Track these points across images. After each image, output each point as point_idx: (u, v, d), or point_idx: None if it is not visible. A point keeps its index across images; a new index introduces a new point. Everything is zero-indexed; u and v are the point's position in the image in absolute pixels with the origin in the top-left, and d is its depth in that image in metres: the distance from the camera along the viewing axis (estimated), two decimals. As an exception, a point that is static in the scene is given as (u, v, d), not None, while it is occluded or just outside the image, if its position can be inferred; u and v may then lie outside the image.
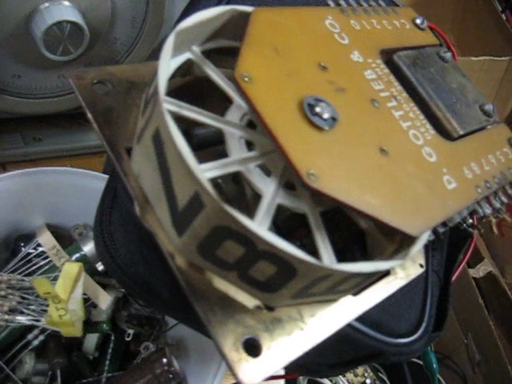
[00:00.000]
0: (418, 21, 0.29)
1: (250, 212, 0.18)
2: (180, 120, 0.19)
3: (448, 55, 0.29)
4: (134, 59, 0.43)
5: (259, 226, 0.17)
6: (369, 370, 1.09)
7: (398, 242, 0.20)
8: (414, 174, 0.21)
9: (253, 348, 0.18)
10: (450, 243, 0.30)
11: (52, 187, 0.30)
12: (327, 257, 0.18)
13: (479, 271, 0.99)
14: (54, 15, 0.34)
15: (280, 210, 0.19)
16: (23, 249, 0.30)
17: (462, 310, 0.91)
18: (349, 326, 0.21)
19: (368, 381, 1.10)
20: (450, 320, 0.95)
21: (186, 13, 0.26)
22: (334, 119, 0.19)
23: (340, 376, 1.01)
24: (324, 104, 0.19)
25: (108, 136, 0.20)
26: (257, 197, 0.19)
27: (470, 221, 0.26)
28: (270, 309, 0.19)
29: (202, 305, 0.18)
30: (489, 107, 0.28)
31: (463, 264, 0.30)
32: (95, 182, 0.30)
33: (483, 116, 0.27)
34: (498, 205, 0.24)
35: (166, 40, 0.19)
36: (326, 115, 0.19)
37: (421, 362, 0.90)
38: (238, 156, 0.19)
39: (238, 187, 0.21)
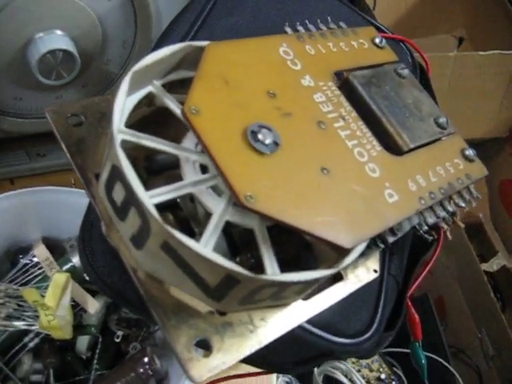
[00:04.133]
0: (377, 40, 0.31)
1: (203, 228, 0.21)
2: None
3: (405, 72, 0.31)
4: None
5: (206, 242, 0.19)
6: (384, 365, 1.11)
7: (339, 251, 0.22)
8: (353, 189, 0.23)
9: (204, 348, 0.21)
10: (412, 248, 0.32)
11: (47, 204, 0.33)
12: (270, 268, 0.21)
13: (493, 265, 1.00)
14: (47, 44, 0.37)
15: (234, 225, 0.22)
16: (21, 260, 0.33)
17: (475, 305, 0.92)
18: (300, 327, 0.24)
19: (383, 376, 1.12)
20: (464, 314, 0.97)
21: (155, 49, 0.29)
22: (276, 144, 0.22)
23: (354, 371, 1.02)
24: (266, 130, 0.22)
25: (79, 164, 0.23)
26: (208, 214, 0.21)
27: (426, 227, 0.28)
28: (223, 314, 0.22)
29: (158, 311, 0.20)
30: (443, 120, 0.29)
31: (428, 267, 0.32)
32: (86, 199, 0.33)
33: (437, 128, 0.29)
34: (442, 214, 0.26)
35: (123, 79, 0.21)
36: (267, 141, 0.21)
37: (434, 356, 0.91)
38: (190, 179, 0.22)
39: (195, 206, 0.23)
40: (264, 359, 0.28)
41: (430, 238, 0.28)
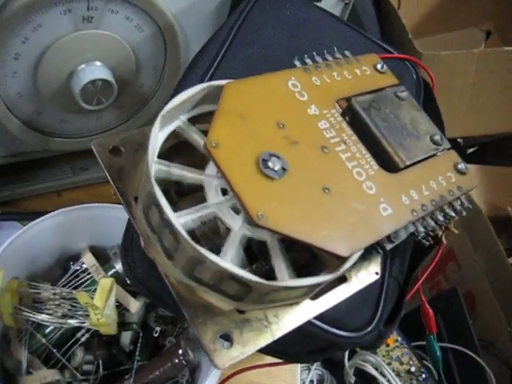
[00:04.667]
0: (379, 66, 0.35)
1: (224, 241, 0.25)
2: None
3: (404, 94, 0.34)
4: (159, 97, 0.51)
5: (224, 255, 0.24)
6: (414, 358, 1.13)
7: (339, 259, 0.26)
8: (351, 206, 0.27)
9: (227, 341, 0.25)
10: (414, 252, 0.35)
11: (92, 218, 0.38)
12: (279, 274, 0.25)
13: (519, 259, 1.00)
14: (88, 75, 0.42)
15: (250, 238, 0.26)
16: (72, 267, 0.38)
17: (504, 298, 0.94)
18: (309, 323, 0.28)
19: (413, 368, 1.13)
20: (493, 308, 0.99)
21: (177, 90, 0.33)
22: (284, 169, 0.26)
23: (384, 364, 1.05)
24: (275, 158, 0.26)
25: (120, 188, 0.27)
26: (228, 230, 0.26)
27: (423, 234, 0.31)
28: (242, 312, 0.26)
29: (188, 310, 0.25)
30: (438, 137, 0.33)
31: (430, 269, 0.36)
32: (125, 213, 0.38)
33: (432, 145, 0.33)
34: (432, 224, 0.30)
35: (156, 120, 0.26)
36: (276, 167, 0.25)
37: (464, 350, 0.93)
38: (213, 201, 0.26)
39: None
40: (281, 351, 0.32)
41: (427, 243, 0.32)
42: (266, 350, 0.31)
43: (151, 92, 0.50)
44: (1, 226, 0.50)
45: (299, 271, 0.26)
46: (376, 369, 1.09)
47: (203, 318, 0.25)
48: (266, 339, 0.26)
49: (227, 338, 0.25)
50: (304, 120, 0.29)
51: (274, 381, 0.48)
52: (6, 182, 0.51)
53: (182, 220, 0.24)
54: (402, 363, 1.13)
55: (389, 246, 0.29)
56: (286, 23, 0.39)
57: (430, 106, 0.42)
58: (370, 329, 0.29)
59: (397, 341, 1.20)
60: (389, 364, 1.12)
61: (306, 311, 0.27)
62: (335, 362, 1.23)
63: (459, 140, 1.10)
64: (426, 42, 1.10)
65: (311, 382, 1.26)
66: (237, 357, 0.25)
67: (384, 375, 1.06)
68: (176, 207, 0.25)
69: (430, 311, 0.51)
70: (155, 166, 0.26)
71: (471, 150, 1.18)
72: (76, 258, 0.40)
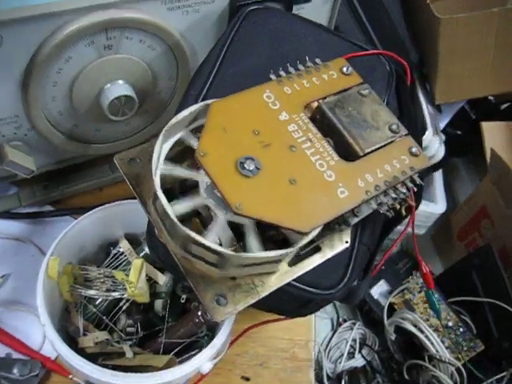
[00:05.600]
0: (345, 69, 0.41)
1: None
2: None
3: (366, 91, 0.40)
4: (176, 101, 0.59)
5: (208, 234, 0.32)
6: (451, 314, 1.19)
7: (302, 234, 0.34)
8: (313, 192, 0.34)
9: (222, 300, 0.33)
10: (387, 222, 0.42)
11: (127, 212, 0.47)
12: (254, 249, 0.33)
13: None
14: (113, 93, 0.51)
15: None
16: (112, 251, 0.48)
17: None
18: (289, 285, 0.36)
19: (450, 323, 1.20)
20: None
21: (179, 107, 0.41)
22: (257, 168, 0.33)
23: (422, 321, 1.11)
24: (250, 160, 0.33)
25: (138, 191, 0.36)
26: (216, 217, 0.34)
27: (385, 208, 0.38)
28: (234, 279, 0.34)
29: (192, 279, 0.33)
30: (395, 126, 0.39)
31: (401, 236, 0.43)
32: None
33: (390, 133, 0.39)
34: (388, 199, 0.37)
35: (160, 135, 0.34)
36: (251, 167, 0.33)
37: (500, 303, 0.99)
38: (203, 194, 0.34)
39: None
40: (276, 307, 0.40)
41: (390, 215, 0.39)
42: (266, 308, 0.40)
43: (169, 98, 0.58)
44: (55, 221, 0.60)
45: (279, 245, 0.34)
46: (414, 326, 1.16)
47: (203, 285, 0.34)
48: (253, 298, 0.34)
49: (223, 298, 0.34)
50: (276, 125, 0.36)
51: (291, 335, 0.57)
52: (56, 184, 0.61)
53: (175, 208, 0.32)
54: (439, 319, 1.19)
55: (354, 220, 0.37)
56: (270, 36, 0.46)
57: (402, 92, 0.48)
58: (339, 287, 0.37)
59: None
60: (427, 320, 1.19)
61: (286, 276, 0.35)
62: (376, 321, 1.31)
63: (490, 98, 1.13)
64: (444, 4, 1.11)
65: (354, 340, 1.34)
66: (231, 312, 0.33)
67: (422, 331, 1.13)
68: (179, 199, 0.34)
69: (427, 270, 0.57)
70: (158, 172, 0.34)
71: (505, 106, 1.20)
72: (115, 244, 0.49)
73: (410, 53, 1.10)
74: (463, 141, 1.20)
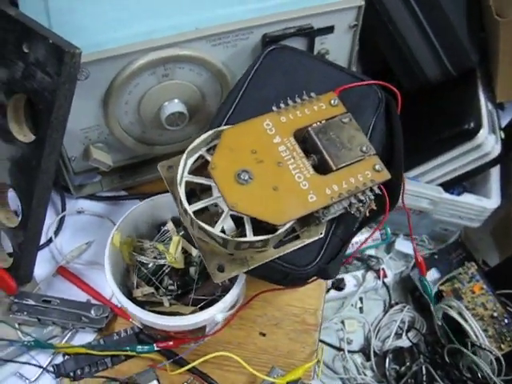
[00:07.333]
0: (332, 101, 0.54)
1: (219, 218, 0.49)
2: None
3: (347, 119, 0.53)
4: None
5: (217, 225, 0.47)
6: (498, 305, 1.27)
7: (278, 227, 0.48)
8: (290, 196, 0.48)
9: (222, 270, 0.48)
10: (363, 219, 0.55)
11: (173, 201, 0.64)
12: (248, 235, 0.47)
13: None
14: (170, 109, 0.67)
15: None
16: (162, 229, 0.64)
17: None
18: (272, 261, 0.50)
19: (496, 314, 1.28)
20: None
21: (209, 128, 0.55)
22: (250, 178, 0.48)
23: (466, 310, 1.19)
24: (245, 172, 0.48)
25: (172, 190, 0.52)
26: (222, 211, 0.49)
27: (354, 209, 0.51)
28: (231, 254, 0.49)
29: (203, 253, 0.49)
30: (366, 147, 0.52)
31: (373, 231, 0.55)
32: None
33: (360, 153, 0.51)
34: (346, 204, 0.49)
35: (184, 154, 0.49)
36: (246, 177, 0.48)
37: None
38: (216, 195, 0.49)
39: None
40: (268, 277, 0.54)
41: (357, 215, 0.52)
42: (257, 276, 0.54)
43: (215, 108, 0.73)
44: (128, 203, 0.79)
45: (272, 233, 0.48)
46: (459, 313, 1.25)
47: (210, 257, 0.49)
48: (244, 269, 0.49)
49: (222, 267, 0.49)
50: (269, 146, 0.50)
51: (303, 304, 0.70)
52: (129, 174, 0.79)
53: (191, 207, 0.47)
54: (486, 309, 1.29)
55: (324, 218, 0.50)
56: (283, 72, 0.60)
57: (389, 116, 0.60)
58: (309, 267, 0.50)
59: (482, 288, 1.35)
60: (473, 309, 1.29)
61: (271, 254, 0.50)
62: (425, 306, 1.40)
63: None
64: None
65: (403, 322, 1.44)
66: (225, 277, 0.48)
67: (466, 320, 1.22)
68: (199, 198, 0.49)
69: (420, 258, 0.68)
70: (183, 181, 0.49)
71: None
72: (164, 224, 0.65)
73: (470, 53, 1.16)
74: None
